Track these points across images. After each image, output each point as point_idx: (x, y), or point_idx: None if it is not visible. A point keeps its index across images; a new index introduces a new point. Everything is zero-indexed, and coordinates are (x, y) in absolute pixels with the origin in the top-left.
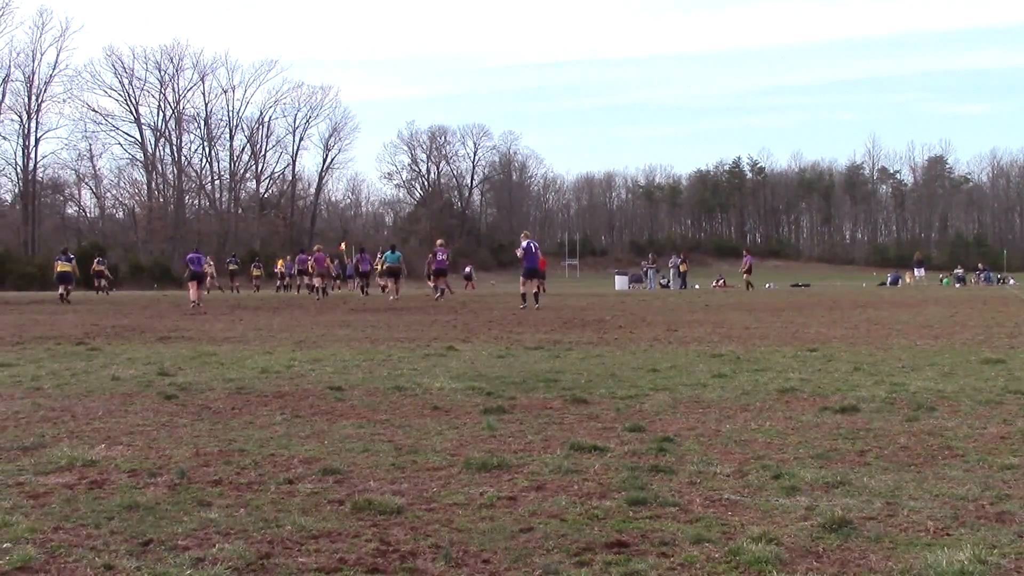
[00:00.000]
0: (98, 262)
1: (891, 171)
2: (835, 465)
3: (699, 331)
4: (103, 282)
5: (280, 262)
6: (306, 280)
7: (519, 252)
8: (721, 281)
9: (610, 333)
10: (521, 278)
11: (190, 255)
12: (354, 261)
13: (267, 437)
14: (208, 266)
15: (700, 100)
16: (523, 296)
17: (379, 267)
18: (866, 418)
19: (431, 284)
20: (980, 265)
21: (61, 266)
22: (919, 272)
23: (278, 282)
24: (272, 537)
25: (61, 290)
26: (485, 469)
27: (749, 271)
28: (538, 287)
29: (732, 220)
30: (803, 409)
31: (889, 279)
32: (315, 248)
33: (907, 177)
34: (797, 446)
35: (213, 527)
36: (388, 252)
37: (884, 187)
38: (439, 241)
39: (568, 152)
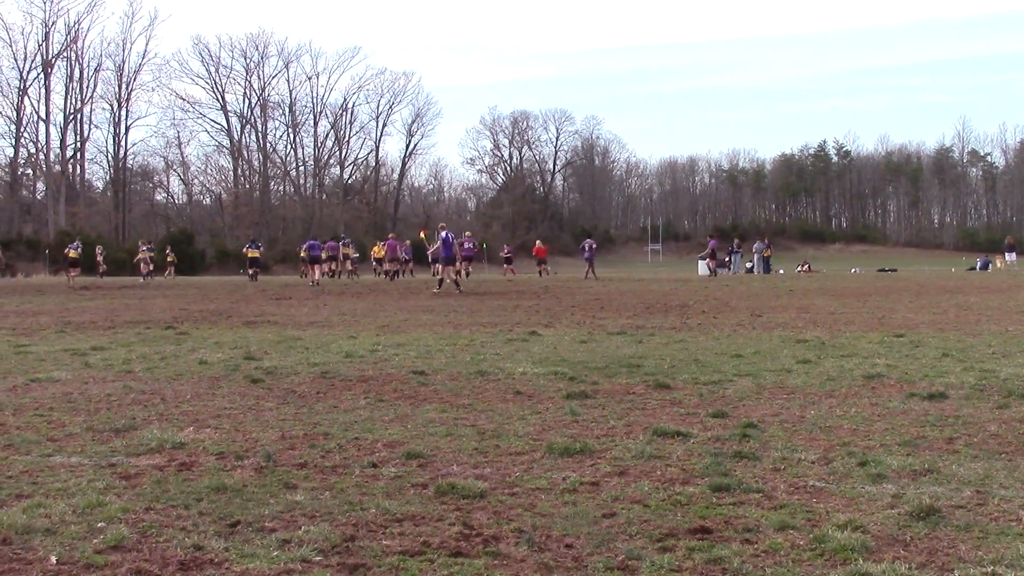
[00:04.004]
0: (146, 249)
1: (982, 153)
2: (923, 452)
3: (783, 316)
4: (151, 267)
5: (376, 248)
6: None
7: (438, 244)
8: (806, 266)
9: (693, 318)
10: (440, 265)
11: (308, 242)
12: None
13: (351, 421)
14: (348, 248)
15: (784, 83)
16: (440, 281)
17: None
18: (955, 405)
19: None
20: None
21: (252, 252)
22: (1011, 257)
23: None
24: (357, 520)
25: (251, 272)
26: (568, 454)
27: (713, 256)
28: (540, 270)
29: (817, 204)
30: (890, 395)
31: (979, 264)
32: (389, 235)
33: (998, 159)
34: (883, 433)
35: (299, 509)
36: None
37: (974, 170)
38: (467, 232)
39: (651, 136)
